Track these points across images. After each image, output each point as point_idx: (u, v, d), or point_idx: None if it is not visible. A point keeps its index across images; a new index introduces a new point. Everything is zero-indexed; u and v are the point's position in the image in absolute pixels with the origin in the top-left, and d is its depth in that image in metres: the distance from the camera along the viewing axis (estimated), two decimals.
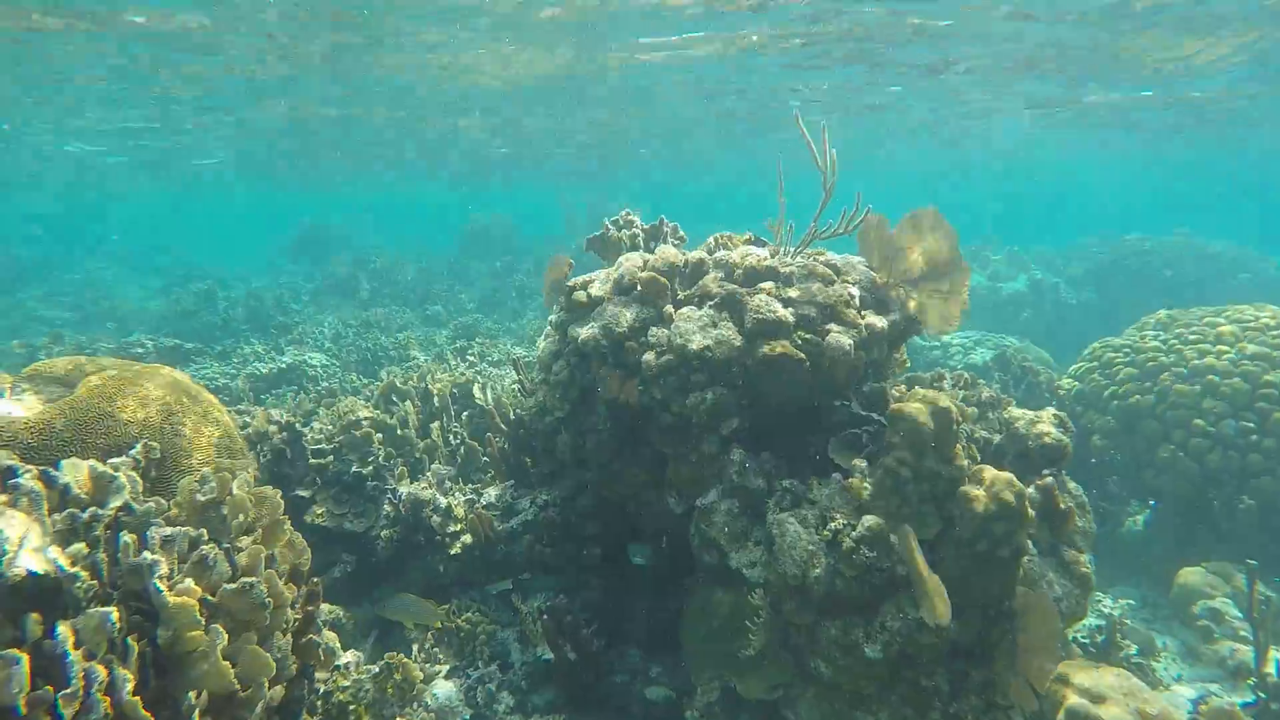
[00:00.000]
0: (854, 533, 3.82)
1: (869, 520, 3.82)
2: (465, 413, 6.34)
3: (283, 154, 23.75)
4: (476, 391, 6.22)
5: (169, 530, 2.48)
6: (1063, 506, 4.17)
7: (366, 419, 5.06)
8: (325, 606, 4.52)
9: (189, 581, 2.40)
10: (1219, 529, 6.67)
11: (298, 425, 4.69)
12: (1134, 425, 7.39)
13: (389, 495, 4.74)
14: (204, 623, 2.34)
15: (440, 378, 6.54)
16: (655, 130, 21.62)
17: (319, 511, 4.72)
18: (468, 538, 5.05)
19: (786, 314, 4.11)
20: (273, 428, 4.62)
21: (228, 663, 2.33)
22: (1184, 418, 7.04)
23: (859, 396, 4.41)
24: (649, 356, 4.23)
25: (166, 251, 26.75)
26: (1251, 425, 6.75)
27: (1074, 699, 3.82)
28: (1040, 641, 3.64)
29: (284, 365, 9.63)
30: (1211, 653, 5.54)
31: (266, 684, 2.53)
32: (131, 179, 29.62)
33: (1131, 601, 6.60)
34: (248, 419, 4.75)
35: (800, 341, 4.11)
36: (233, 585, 2.47)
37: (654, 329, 4.35)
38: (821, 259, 4.57)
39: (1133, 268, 17.48)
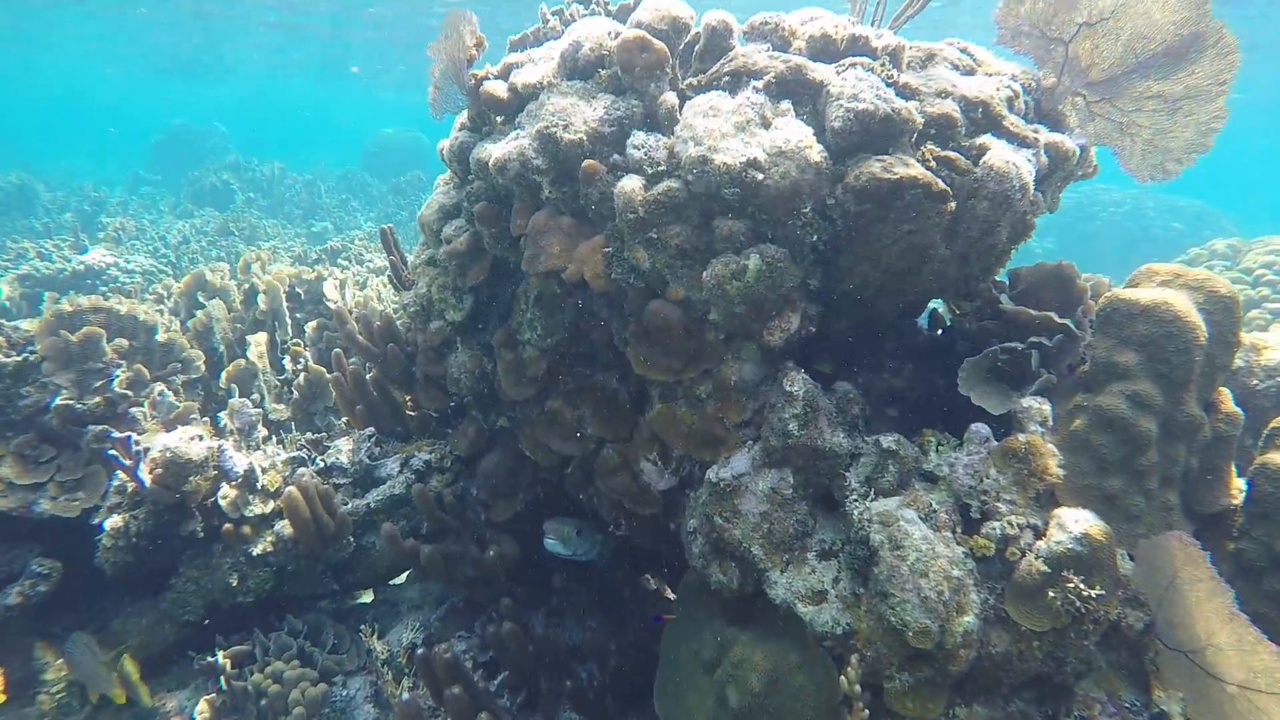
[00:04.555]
0: (1048, 546, 1.86)
1: (1082, 523, 1.86)
2: (313, 323, 4.07)
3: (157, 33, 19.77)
4: (329, 289, 3.96)
5: None
6: None
7: (94, 310, 2.77)
8: None
9: None
10: None
11: None
12: None
13: (119, 451, 2.50)
14: None
15: (276, 270, 4.23)
16: None
17: None
18: (286, 526, 2.88)
19: (910, 108, 2.06)
20: None
21: None
22: None
23: (1007, 285, 2.44)
24: (630, 185, 2.12)
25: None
26: None
27: None
28: None
29: (80, 267, 6.97)
30: None
31: None
32: None
33: None
34: None
35: (933, 164, 2.08)
36: None
37: (639, 135, 2.23)
38: (942, 43, 2.54)
39: (1099, 219, 16.32)
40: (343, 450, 3.37)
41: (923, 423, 2.52)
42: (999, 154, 2.07)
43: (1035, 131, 2.22)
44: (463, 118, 2.84)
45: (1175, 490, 2.01)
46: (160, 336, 2.98)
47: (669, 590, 3.66)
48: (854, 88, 2.06)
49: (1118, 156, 2.46)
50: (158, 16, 18.31)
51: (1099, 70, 2.44)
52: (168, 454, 2.51)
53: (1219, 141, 2.35)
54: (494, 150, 2.41)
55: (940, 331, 2.73)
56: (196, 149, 20.35)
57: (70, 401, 2.62)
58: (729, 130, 2.06)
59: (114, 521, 2.53)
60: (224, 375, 3.57)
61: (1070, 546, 1.84)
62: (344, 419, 3.70)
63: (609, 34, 2.43)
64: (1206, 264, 6.62)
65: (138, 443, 2.49)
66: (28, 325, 2.71)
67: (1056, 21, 2.46)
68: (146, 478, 2.47)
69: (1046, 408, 2.07)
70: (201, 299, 4.07)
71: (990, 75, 2.37)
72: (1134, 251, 16.03)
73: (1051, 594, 1.82)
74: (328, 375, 3.77)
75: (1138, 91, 2.40)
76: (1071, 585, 1.80)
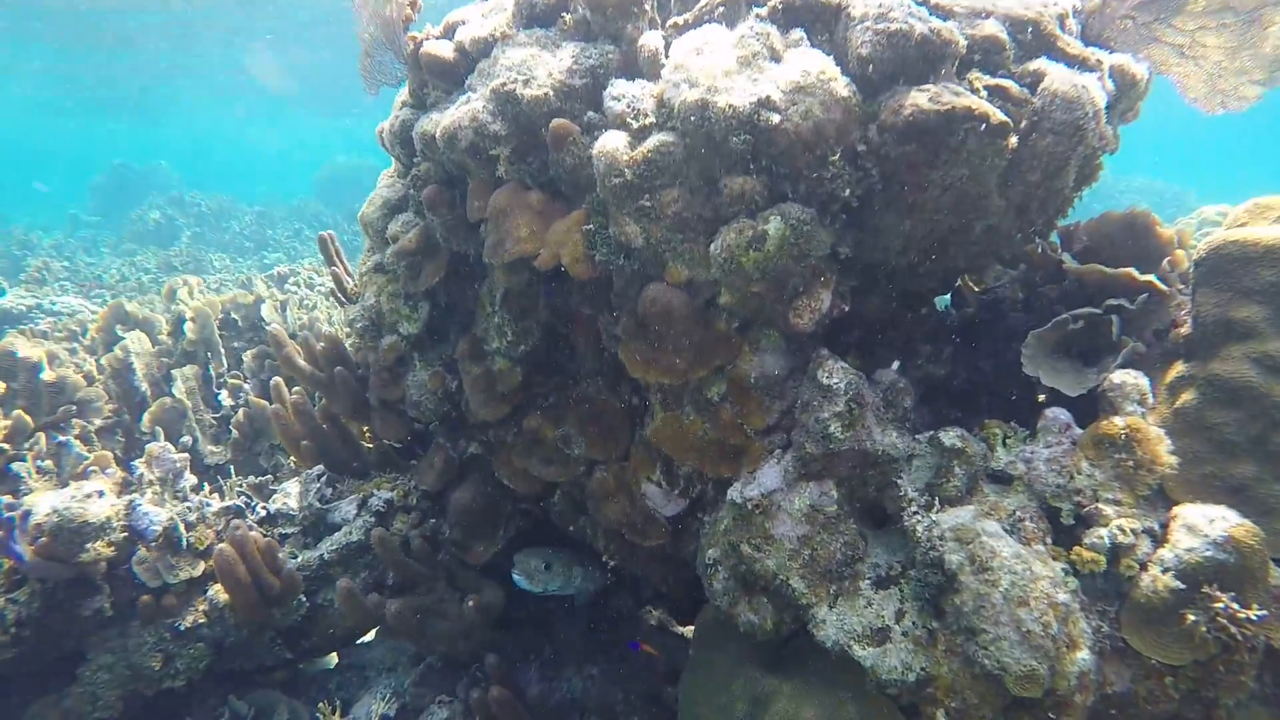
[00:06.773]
0: (1176, 555, 1.47)
1: (1221, 523, 1.47)
2: (251, 352, 3.58)
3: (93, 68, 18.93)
4: (268, 310, 3.49)
5: None
6: None
7: None
8: None
9: None
10: None
11: None
12: None
13: None
14: None
15: (208, 296, 3.74)
16: None
17: None
18: (219, 591, 2.39)
19: (951, 28, 1.68)
20: None
21: None
22: None
23: (1065, 238, 2.06)
24: (611, 143, 1.71)
25: None
26: None
27: None
28: None
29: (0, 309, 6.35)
30: None
31: None
32: None
33: None
34: None
35: (983, 94, 1.69)
36: None
37: (619, 83, 1.82)
38: None
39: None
40: (290, 494, 2.90)
41: (968, 418, 2.13)
42: (1061, 76, 1.69)
43: (1091, 54, 1.85)
44: (404, 94, 2.41)
45: None
46: (47, 375, 2.49)
47: (678, 625, 3.23)
48: (881, 6, 1.67)
49: (1178, 86, 2.10)
50: (94, 57, 17.59)
51: None
52: (55, 518, 2.02)
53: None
54: (441, 119, 1.98)
55: (970, 309, 2.34)
56: (139, 187, 19.53)
57: None
58: (731, 67, 1.65)
59: None
60: (146, 417, 3.08)
61: (1208, 554, 1.44)
62: (291, 458, 3.22)
63: None
64: (1200, 232, 6.38)
65: (9, 508, 2.01)
66: None
67: None
68: (26, 551, 1.99)
69: (1144, 382, 1.68)
70: (121, 332, 3.56)
71: None
72: None
73: (1191, 617, 1.43)
74: (270, 408, 3.29)
75: (1200, 5, 2.05)
76: (1219, 604, 1.40)
